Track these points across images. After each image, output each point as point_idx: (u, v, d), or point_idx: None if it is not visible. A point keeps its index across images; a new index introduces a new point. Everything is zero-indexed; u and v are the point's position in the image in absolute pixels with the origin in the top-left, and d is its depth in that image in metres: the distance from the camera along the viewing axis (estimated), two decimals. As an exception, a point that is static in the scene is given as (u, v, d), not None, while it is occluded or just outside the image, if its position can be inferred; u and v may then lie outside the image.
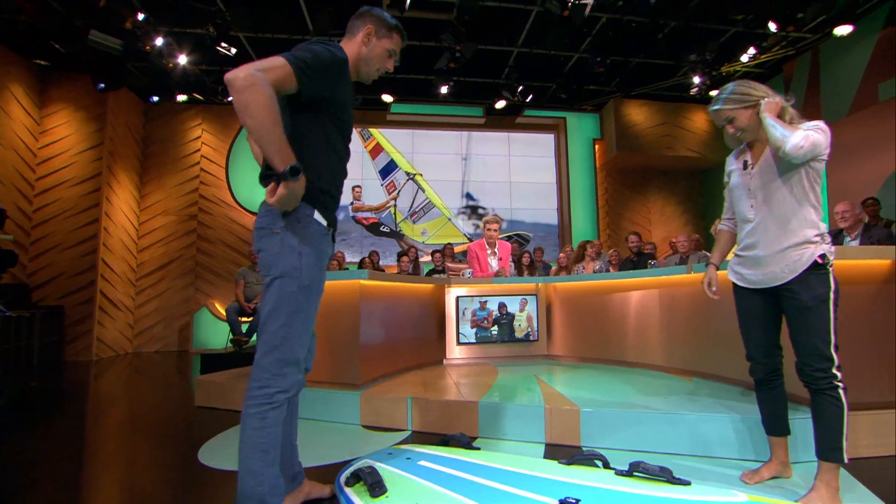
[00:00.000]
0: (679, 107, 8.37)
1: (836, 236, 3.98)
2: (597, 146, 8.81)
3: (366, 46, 1.50)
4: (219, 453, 2.28)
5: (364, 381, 3.02)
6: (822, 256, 1.57)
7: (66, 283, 6.34)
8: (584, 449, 2.13)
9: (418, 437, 2.53)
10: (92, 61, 5.66)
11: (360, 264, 6.71)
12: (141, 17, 5.30)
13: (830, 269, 1.59)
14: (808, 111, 6.71)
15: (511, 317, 4.12)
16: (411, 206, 8.42)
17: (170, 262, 7.54)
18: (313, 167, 1.37)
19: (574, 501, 1.39)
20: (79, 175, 6.56)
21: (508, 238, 8.40)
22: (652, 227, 8.81)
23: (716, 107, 1.76)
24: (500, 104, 7.55)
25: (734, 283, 1.80)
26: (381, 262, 7.29)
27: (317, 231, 1.38)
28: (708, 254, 4.82)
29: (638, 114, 8.30)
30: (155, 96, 6.73)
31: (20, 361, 5.44)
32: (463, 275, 4.47)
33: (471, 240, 8.32)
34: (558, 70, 7.33)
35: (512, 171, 8.77)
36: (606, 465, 1.76)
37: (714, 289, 1.87)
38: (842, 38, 5.81)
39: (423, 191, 8.50)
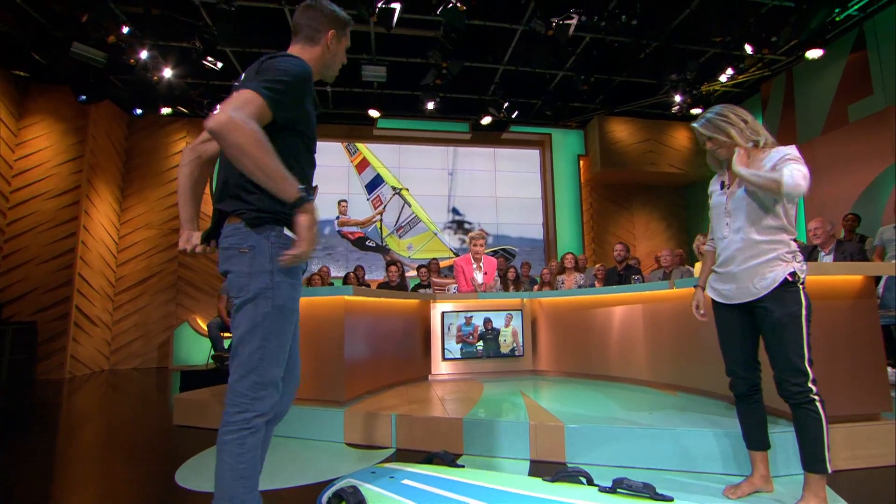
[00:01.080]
0: (661, 124, 8.59)
1: (811, 253, 4.09)
2: (581, 162, 8.97)
3: (329, 52, 1.48)
4: (197, 474, 2.22)
5: (348, 398, 2.99)
6: (793, 274, 1.63)
7: (40, 298, 6.18)
8: (568, 465, 2.13)
9: (403, 454, 2.51)
10: (73, 73, 5.61)
11: (346, 279, 6.67)
12: (126, 30, 5.29)
13: (801, 286, 1.64)
14: (785, 129, 6.94)
15: (496, 332, 4.13)
16: (397, 221, 8.44)
17: (150, 277, 7.42)
18: None
19: (558, 519, 1.39)
20: (57, 187, 6.44)
21: (494, 253, 8.45)
22: (637, 241, 8.95)
23: (697, 125, 1.83)
24: (486, 120, 7.67)
25: (713, 300, 1.86)
26: (366, 277, 7.25)
27: (287, 248, 1.32)
28: (691, 269, 4.92)
29: (621, 130, 8.49)
30: (139, 109, 6.68)
31: (-11, 380, 5.25)
32: (448, 290, 4.48)
33: (457, 254, 8.34)
34: (543, 87, 7.49)
35: (498, 186, 8.86)
36: (591, 482, 1.76)
37: (702, 311, 1.93)
38: (813, 61, 6.06)
39: (410, 205, 8.53)
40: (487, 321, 4.13)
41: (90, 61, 5.19)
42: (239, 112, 1.17)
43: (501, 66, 6.78)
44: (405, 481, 1.80)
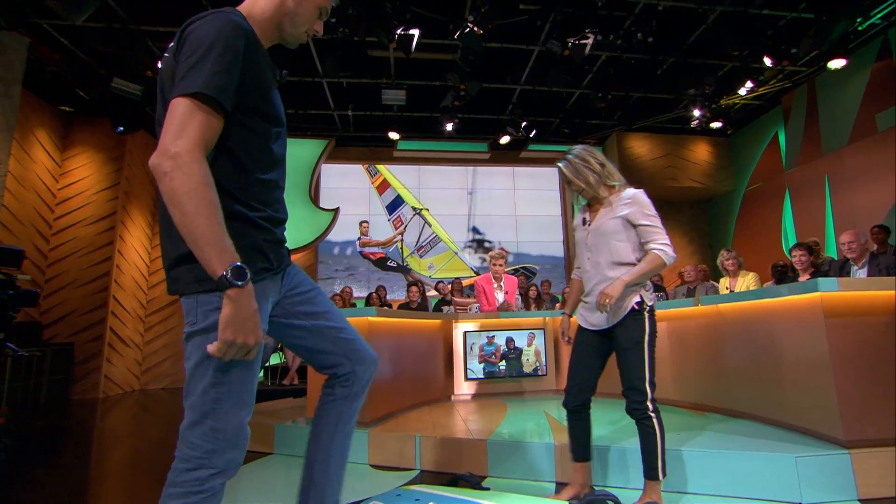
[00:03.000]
0: (681, 139, 8.51)
1: (843, 267, 3.97)
2: (601, 178, 8.91)
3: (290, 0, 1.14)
4: (228, 494, 2.26)
5: (372, 419, 3.00)
6: (640, 302, 1.80)
7: (77, 320, 6.42)
8: (595, 489, 2.09)
9: (427, 476, 2.50)
10: (113, 106, 5.92)
11: (368, 299, 6.74)
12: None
13: (648, 313, 1.82)
14: (809, 141, 6.80)
15: (519, 351, 4.10)
16: (418, 241, 8.50)
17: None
18: (227, 191, 1.02)
19: (586, 544, 1.37)
20: (95, 214, 6.74)
21: (515, 271, 8.43)
22: None
23: (560, 165, 1.95)
24: (505, 139, 7.74)
25: (580, 325, 2.00)
26: (388, 297, 7.30)
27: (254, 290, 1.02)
28: (716, 284, 4.81)
29: (640, 146, 8.44)
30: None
31: (28, 400, 5.45)
32: (470, 309, 4.48)
33: (477, 273, 8.34)
34: (561, 106, 7.53)
35: (517, 204, 8.87)
36: (619, 506, 1.73)
37: (567, 338, 2.07)
38: (836, 70, 5.95)
39: (430, 225, 8.60)
40: (510, 340, 4.11)
41: (128, 95, 5.48)
42: (178, 143, 0.93)
43: (519, 86, 6.87)
44: (431, 504, 1.79)
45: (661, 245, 1.78)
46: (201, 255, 0.95)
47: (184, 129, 0.94)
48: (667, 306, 3.44)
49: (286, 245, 1.22)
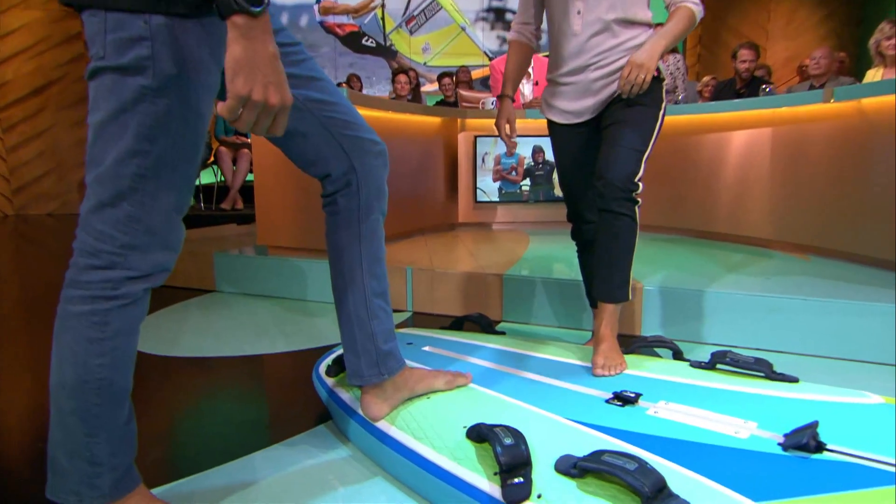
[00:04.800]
0: None
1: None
2: None
3: None
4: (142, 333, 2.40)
5: (347, 249, 3.07)
6: (658, 69, 1.79)
7: None
8: (646, 336, 2.18)
9: (422, 319, 2.63)
10: None
11: (335, 92, 6.51)
12: None
13: (664, 83, 1.86)
14: None
15: (550, 167, 4.06)
16: (407, 8, 8.16)
17: (48, 86, 7.28)
18: None
19: (633, 395, 1.43)
20: None
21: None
22: (770, 42, 8.35)
23: None
24: None
25: (550, 122, 1.97)
26: (363, 91, 7.12)
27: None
28: (856, 80, 4.53)
29: None
30: None
31: None
32: (483, 105, 4.35)
33: (492, 59, 8.03)
34: None
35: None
36: (678, 355, 1.80)
37: (511, 133, 2.02)
38: None
39: (426, -18, 8.15)
40: (538, 151, 4.06)
41: None
42: None
43: None
44: (427, 348, 1.87)
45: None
46: None
47: None
48: (778, 104, 3.25)
49: None
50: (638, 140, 1.77)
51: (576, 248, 2.09)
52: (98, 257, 1.00)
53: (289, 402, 1.84)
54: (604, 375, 1.63)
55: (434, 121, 3.91)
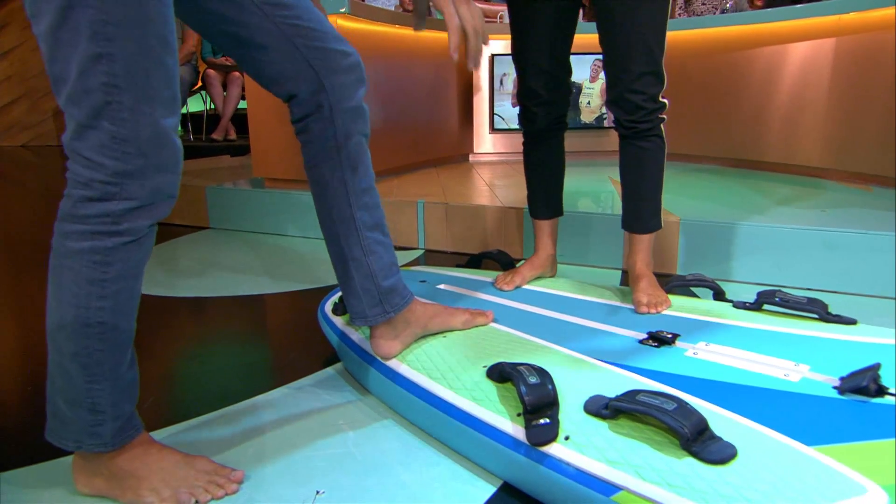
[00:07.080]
0: None
1: None
2: None
3: None
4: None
5: (350, 181, 3.05)
6: None
7: None
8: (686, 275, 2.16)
9: (435, 257, 2.65)
10: None
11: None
12: None
13: None
14: None
15: (578, 89, 3.98)
16: None
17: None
18: None
19: (670, 336, 1.42)
20: None
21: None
22: None
23: None
24: None
25: None
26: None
27: None
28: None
29: None
30: None
31: None
32: (501, 19, 4.31)
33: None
34: None
35: None
36: (720, 296, 1.78)
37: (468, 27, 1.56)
38: None
39: None
40: (564, 71, 3.97)
41: None
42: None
43: None
44: (442, 286, 1.86)
45: None
46: None
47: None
48: (844, 8, 3.10)
49: None
50: (658, 22, 1.61)
51: (522, 142, 1.94)
52: (92, 188, 0.96)
53: (293, 344, 1.85)
54: (649, 313, 1.59)
55: (446, 37, 3.79)
